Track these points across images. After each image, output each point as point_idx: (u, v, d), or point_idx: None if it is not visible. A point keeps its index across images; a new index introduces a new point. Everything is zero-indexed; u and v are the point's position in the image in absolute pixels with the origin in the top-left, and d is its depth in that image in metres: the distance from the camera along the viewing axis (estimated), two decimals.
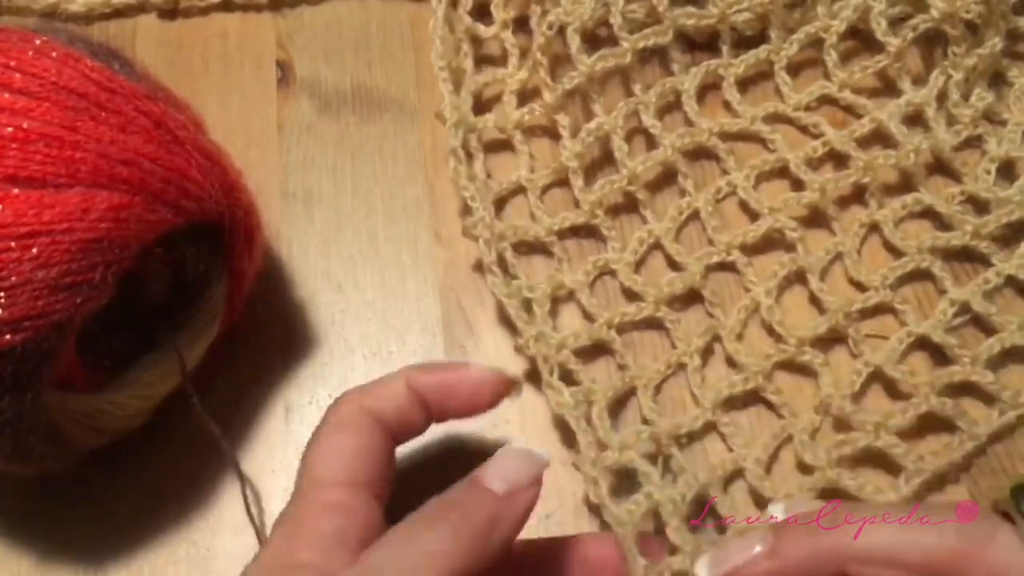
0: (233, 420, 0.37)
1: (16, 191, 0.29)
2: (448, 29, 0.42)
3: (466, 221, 0.39)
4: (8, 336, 0.28)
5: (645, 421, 0.36)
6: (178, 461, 0.36)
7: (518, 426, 0.37)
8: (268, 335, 0.39)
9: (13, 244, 0.28)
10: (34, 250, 0.28)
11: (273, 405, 0.38)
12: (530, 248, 0.40)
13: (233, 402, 0.36)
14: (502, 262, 0.38)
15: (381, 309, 0.39)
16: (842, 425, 0.36)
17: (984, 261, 0.40)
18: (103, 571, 0.35)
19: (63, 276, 0.28)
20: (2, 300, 0.28)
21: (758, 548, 0.29)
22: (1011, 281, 0.39)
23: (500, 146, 0.42)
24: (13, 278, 0.28)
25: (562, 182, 0.42)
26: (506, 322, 0.38)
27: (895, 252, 0.40)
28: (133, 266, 0.31)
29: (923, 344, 0.38)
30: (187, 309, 0.34)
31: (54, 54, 0.31)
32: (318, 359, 0.38)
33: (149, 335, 0.34)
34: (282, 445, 0.37)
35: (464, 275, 0.40)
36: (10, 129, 0.29)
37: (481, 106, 0.43)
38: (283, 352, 0.38)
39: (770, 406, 0.37)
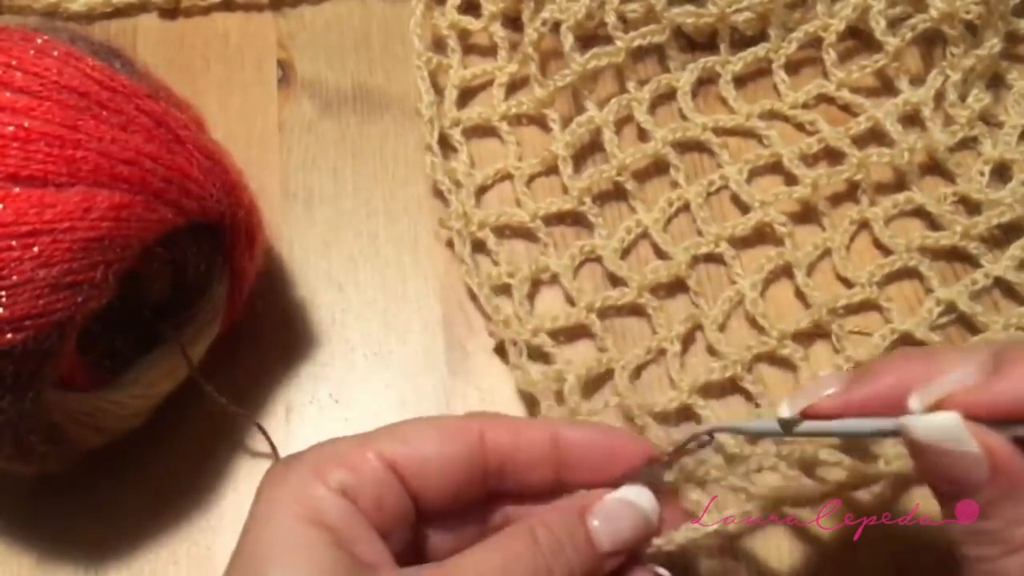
0: (234, 419, 0.37)
1: (17, 190, 0.29)
2: (429, 26, 0.43)
3: (442, 213, 0.39)
4: (9, 335, 0.28)
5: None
6: (179, 460, 0.36)
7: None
8: (269, 335, 0.39)
9: (14, 243, 0.28)
10: (35, 249, 0.28)
11: (273, 405, 0.38)
12: (514, 233, 0.40)
13: (233, 402, 0.36)
14: (483, 247, 0.39)
15: (382, 309, 0.39)
16: None
17: (973, 262, 0.40)
18: (103, 571, 0.35)
19: (64, 275, 0.28)
20: (3, 299, 0.28)
21: (832, 388, 0.27)
22: (999, 282, 0.39)
23: (487, 134, 0.43)
24: (14, 277, 0.28)
25: (550, 171, 0.42)
26: None
27: (884, 250, 0.40)
28: (134, 265, 0.31)
29: (906, 341, 0.38)
30: (188, 308, 0.34)
31: (55, 53, 0.31)
32: (319, 359, 0.38)
33: (150, 334, 0.34)
34: (283, 445, 0.36)
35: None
36: (11, 128, 0.29)
37: (468, 97, 0.43)
38: (283, 352, 0.38)
39: (748, 396, 0.37)
